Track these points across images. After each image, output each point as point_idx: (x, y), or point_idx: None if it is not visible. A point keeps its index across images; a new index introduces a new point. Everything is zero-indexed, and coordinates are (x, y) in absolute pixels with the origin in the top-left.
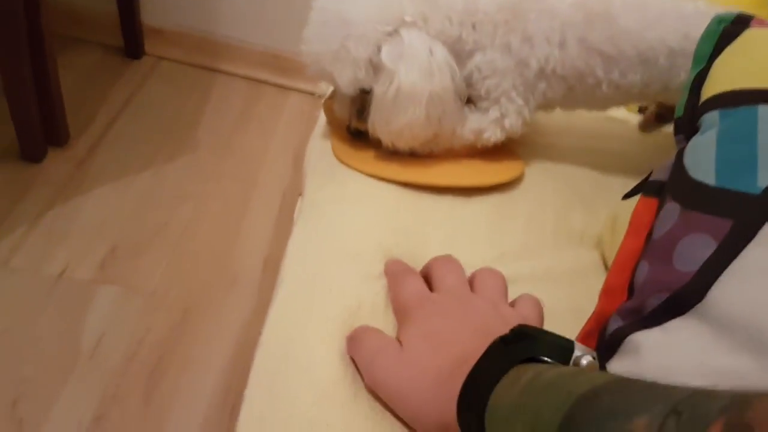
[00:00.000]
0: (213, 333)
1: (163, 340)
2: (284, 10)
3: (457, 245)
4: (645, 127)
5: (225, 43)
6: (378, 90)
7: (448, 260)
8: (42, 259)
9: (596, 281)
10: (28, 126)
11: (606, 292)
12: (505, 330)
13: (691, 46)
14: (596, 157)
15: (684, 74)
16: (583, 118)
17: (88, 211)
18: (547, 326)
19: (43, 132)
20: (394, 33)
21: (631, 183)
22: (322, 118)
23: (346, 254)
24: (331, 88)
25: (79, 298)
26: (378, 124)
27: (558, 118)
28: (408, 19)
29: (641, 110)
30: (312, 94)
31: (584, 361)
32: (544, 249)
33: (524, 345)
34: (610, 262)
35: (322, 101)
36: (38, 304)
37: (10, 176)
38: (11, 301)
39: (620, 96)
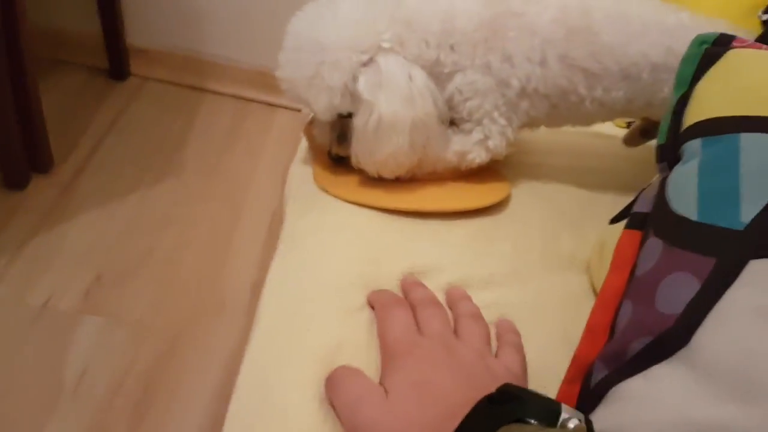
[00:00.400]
0: (201, 362)
1: (149, 370)
2: (270, 28)
3: (443, 270)
4: (629, 141)
5: (211, 62)
6: (358, 122)
7: (434, 302)
8: (25, 288)
9: (586, 308)
10: (10, 152)
11: (588, 332)
12: (492, 383)
13: (675, 61)
14: (583, 176)
15: (668, 89)
16: (569, 135)
17: (73, 239)
18: (539, 357)
19: (26, 158)
20: (370, 61)
21: (620, 202)
22: (304, 143)
23: (326, 287)
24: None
25: (63, 329)
26: (361, 155)
27: (543, 136)
28: (385, 45)
29: (629, 124)
30: (299, 110)
31: (571, 425)
32: (533, 273)
33: (511, 406)
34: (598, 289)
35: (304, 126)
36: (20, 336)
37: None
38: None
39: (604, 112)
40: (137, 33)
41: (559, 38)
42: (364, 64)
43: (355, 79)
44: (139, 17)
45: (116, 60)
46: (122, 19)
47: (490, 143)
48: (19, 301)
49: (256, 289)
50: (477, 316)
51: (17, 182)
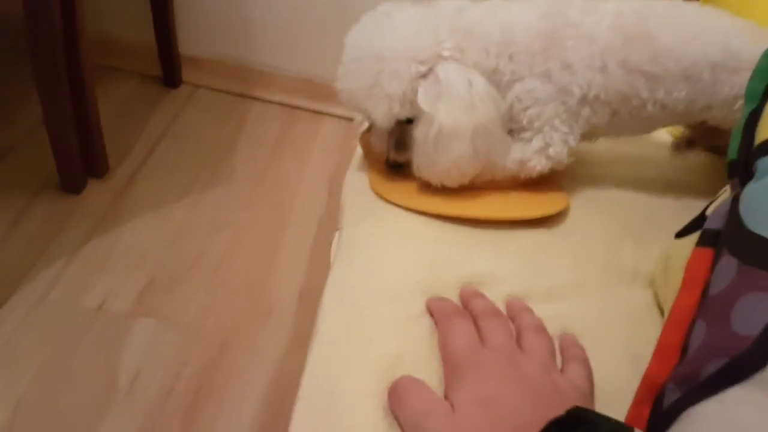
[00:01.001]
0: (249, 366)
1: (200, 373)
2: (317, 37)
3: (502, 281)
4: (676, 149)
5: (260, 70)
6: (419, 133)
7: (496, 313)
8: (80, 291)
9: (651, 324)
10: (67, 157)
11: (659, 352)
12: (559, 400)
13: (732, 60)
14: (643, 186)
15: (727, 89)
16: (627, 145)
17: (127, 243)
18: (603, 374)
19: (82, 163)
20: (429, 72)
21: (681, 214)
22: (359, 151)
23: (385, 296)
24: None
25: (117, 331)
26: (423, 165)
27: (600, 146)
28: (445, 53)
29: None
30: (347, 119)
31: None
32: (595, 286)
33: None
34: (664, 305)
35: (359, 134)
36: (76, 338)
37: (50, 208)
38: (49, 334)
39: (666, 116)
40: (189, 42)
41: (618, 45)
42: (423, 75)
43: (414, 89)
44: (190, 27)
45: (169, 68)
46: (175, 29)
47: (551, 151)
48: (75, 304)
49: (303, 295)
50: (541, 329)
51: (74, 187)
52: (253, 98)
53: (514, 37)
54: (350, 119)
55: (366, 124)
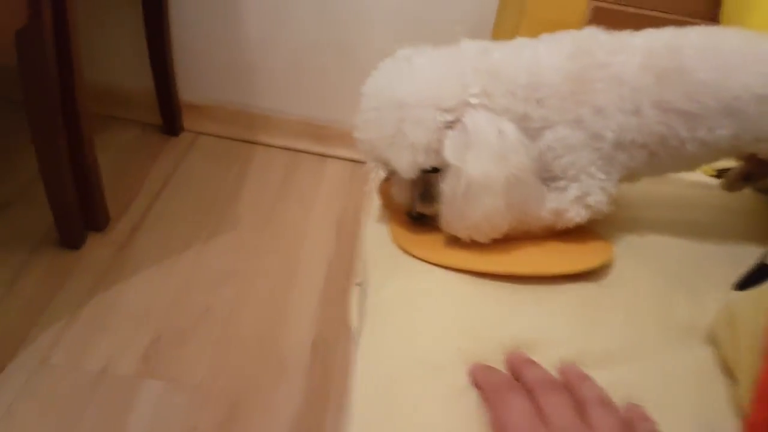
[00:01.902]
0: (263, 429)
1: None
2: (319, 80)
3: (551, 343)
4: (730, 186)
5: (261, 115)
6: (446, 187)
7: (555, 385)
8: (82, 353)
9: (722, 388)
10: (66, 211)
11: (750, 430)
12: None
13: None
14: (686, 230)
15: None
16: (663, 185)
17: (130, 299)
18: None
19: (81, 217)
20: (455, 121)
21: (730, 261)
22: (376, 201)
23: (423, 366)
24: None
25: (123, 395)
26: (452, 220)
27: (636, 187)
28: (473, 101)
29: (719, 174)
30: (351, 161)
31: None
32: (653, 347)
33: None
34: (734, 366)
35: (375, 183)
36: (80, 404)
37: (49, 265)
38: (51, 400)
39: (708, 153)
40: (189, 89)
41: (650, 84)
42: (450, 125)
43: (439, 139)
44: (190, 73)
45: (169, 115)
46: (174, 75)
47: (591, 200)
48: (77, 367)
49: (317, 345)
50: (607, 402)
51: (73, 241)
52: (256, 143)
53: (542, 79)
54: (355, 161)
55: (380, 174)
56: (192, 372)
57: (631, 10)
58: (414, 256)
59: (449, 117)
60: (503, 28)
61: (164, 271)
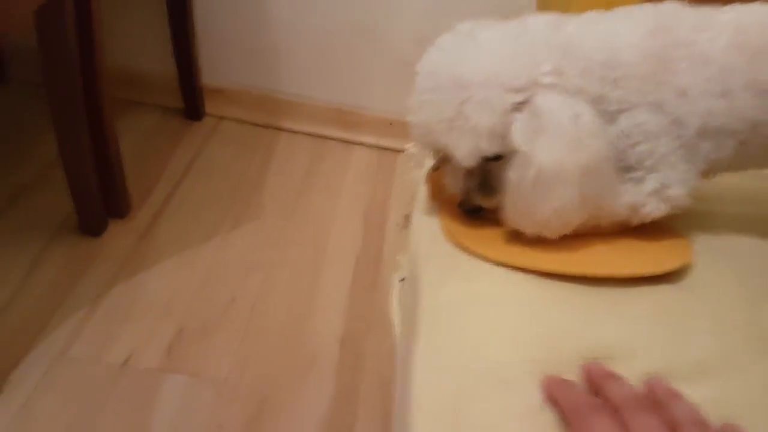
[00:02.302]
0: (292, 427)
1: None
2: (346, 64)
3: (633, 354)
4: None
5: (286, 100)
6: (513, 176)
7: (643, 404)
8: (104, 345)
9: None
10: (87, 197)
11: None
12: None
13: None
14: (764, 227)
15: None
16: (735, 177)
17: (152, 289)
18: None
19: (102, 203)
20: (525, 102)
21: None
22: (422, 192)
23: (493, 380)
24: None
25: (145, 389)
26: (518, 214)
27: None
28: (545, 80)
29: None
30: (379, 148)
31: None
32: (747, 358)
33: None
34: None
35: (425, 173)
36: (101, 398)
37: (69, 252)
38: (72, 394)
39: None
40: (212, 72)
41: (742, 63)
42: (518, 107)
43: (506, 123)
44: (213, 57)
45: (191, 100)
46: (197, 59)
47: (670, 192)
48: (98, 360)
49: (346, 341)
50: (702, 423)
51: (94, 228)
52: (280, 129)
53: (619, 57)
54: (382, 148)
55: (428, 161)
56: (217, 366)
57: None
58: (473, 253)
59: (518, 98)
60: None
61: (187, 261)
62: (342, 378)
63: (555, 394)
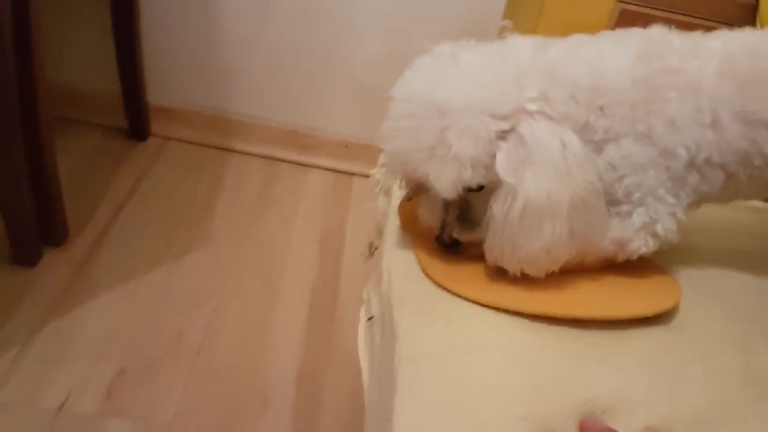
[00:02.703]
0: None
1: None
2: (300, 84)
3: (632, 406)
4: None
5: (238, 120)
6: (498, 209)
7: None
8: (38, 388)
9: None
10: (21, 224)
11: None
12: None
13: None
14: (748, 261)
15: None
16: (714, 209)
17: (91, 325)
18: None
19: (38, 230)
20: (510, 131)
21: None
22: (392, 223)
23: None
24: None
25: None
26: (502, 251)
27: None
28: (530, 107)
29: None
30: (335, 171)
31: None
32: (746, 406)
33: None
34: None
35: (397, 202)
36: None
37: (0, 284)
38: None
39: None
40: (158, 90)
41: (730, 93)
42: (503, 135)
43: (490, 152)
44: (160, 74)
45: (136, 119)
46: (143, 76)
47: (659, 228)
48: (30, 405)
49: (302, 378)
50: None
51: (28, 258)
52: (231, 150)
53: (607, 83)
54: (339, 172)
55: (394, 188)
56: (162, 410)
57: (661, 14)
58: (452, 294)
59: (503, 125)
60: (514, 31)
61: (129, 293)
62: (299, 418)
63: None
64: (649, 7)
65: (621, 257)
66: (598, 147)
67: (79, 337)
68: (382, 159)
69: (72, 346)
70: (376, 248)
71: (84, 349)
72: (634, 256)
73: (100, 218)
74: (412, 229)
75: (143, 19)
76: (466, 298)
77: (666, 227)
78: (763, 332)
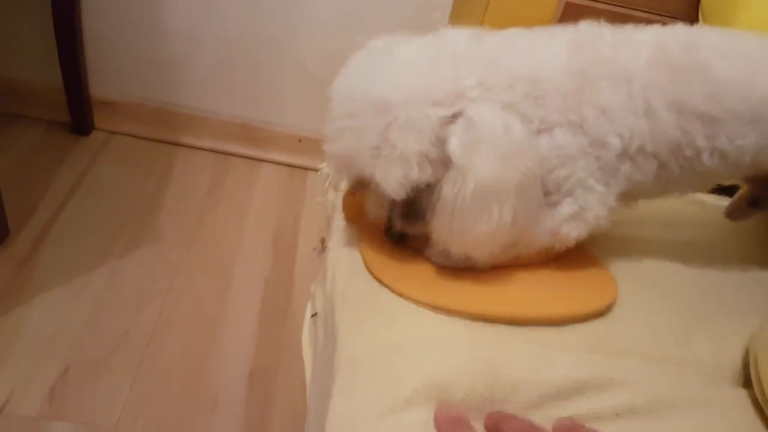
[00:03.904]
0: None
1: None
2: (250, 77)
3: (561, 397)
4: (734, 214)
5: (185, 114)
6: (447, 192)
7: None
8: None
9: None
10: None
11: None
12: None
13: None
14: (686, 253)
15: None
16: (662, 202)
17: (33, 324)
18: None
19: None
20: (457, 115)
21: (742, 286)
22: (338, 219)
23: None
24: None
25: None
26: (450, 233)
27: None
28: (472, 93)
29: (725, 190)
30: (288, 165)
31: None
32: (683, 394)
33: None
34: None
35: (341, 196)
36: None
37: None
38: None
39: (726, 168)
40: (101, 84)
41: (664, 81)
42: (449, 121)
43: (437, 141)
44: (102, 67)
45: (78, 113)
46: (85, 69)
47: (589, 215)
48: None
49: (254, 377)
50: None
51: None
52: (179, 145)
53: (540, 74)
54: (292, 166)
55: (343, 182)
56: (107, 412)
57: (605, 7)
58: (394, 292)
59: (446, 111)
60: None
61: (73, 292)
62: (251, 416)
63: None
64: (593, 0)
65: (557, 246)
66: (534, 138)
67: (21, 337)
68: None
69: (13, 346)
70: (326, 243)
71: (26, 349)
72: (570, 243)
73: (42, 215)
74: (356, 221)
75: (85, 9)
76: (406, 298)
77: (596, 214)
78: (704, 325)
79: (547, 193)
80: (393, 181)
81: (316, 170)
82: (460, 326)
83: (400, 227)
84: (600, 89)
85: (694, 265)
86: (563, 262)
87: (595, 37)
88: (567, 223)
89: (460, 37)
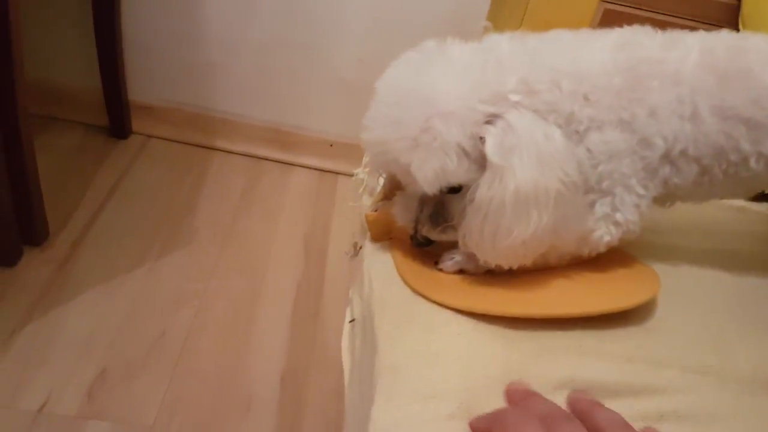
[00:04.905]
0: None
1: None
2: (285, 82)
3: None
4: None
5: (221, 118)
6: (483, 194)
7: (562, 414)
8: (17, 389)
9: None
10: (0, 223)
11: None
12: None
13: None
14: (726, 261)
15: None
16: (693, 208)
17: (72, 325)
18: None
19: (17, 229)
20: (496, 117)
21: None
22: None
23: None
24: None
25: None
26: (481, 238)
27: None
28: (514, 98)
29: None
30: (319, 170)
31: None
32: (725, 405)
33: None
34: None
35: (364, 212)
36: None
37: None
38: None
39: None
40: (140, 88)
41: (711, 85)
42: (489, 121)
43: (474, 137)
44: (141, 72)
45: (117, 117)
46: (124, 73)
47: (619, 216)
48: (9, 406)
49: (286, 378)
50: (625, 427)
51: (7, 257)
52: (214, 149)
53: (588, 69)
54: (323, 171)
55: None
56: (144, 411)
57: (645, 14)
58: (428, 300)
59: (490, 109)
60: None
61: (110, 293)
62: (284, 418)
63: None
64: (632, 7)
65: (586, 252)
66: (581, 137)
67: (59, 338)
68: (366, 158)
69: (52, 347)
70: (360, 247)
71: (64, 350)
72: (600, 248)
73: (80, 217)
74: (383, 239)
75: (125, 16)
76: (442, 305)
77: (628, 218)
78: (743, 334)
79: (587, 191)
80: (429, 170)
81: (347, 175)
82: (498, 334)
83: (425, 232)
84: (650, 89)
85: (734, 274)
86: (598, 262)
87: (641, 37)
88: (598, 226)
89: (503, 40)
